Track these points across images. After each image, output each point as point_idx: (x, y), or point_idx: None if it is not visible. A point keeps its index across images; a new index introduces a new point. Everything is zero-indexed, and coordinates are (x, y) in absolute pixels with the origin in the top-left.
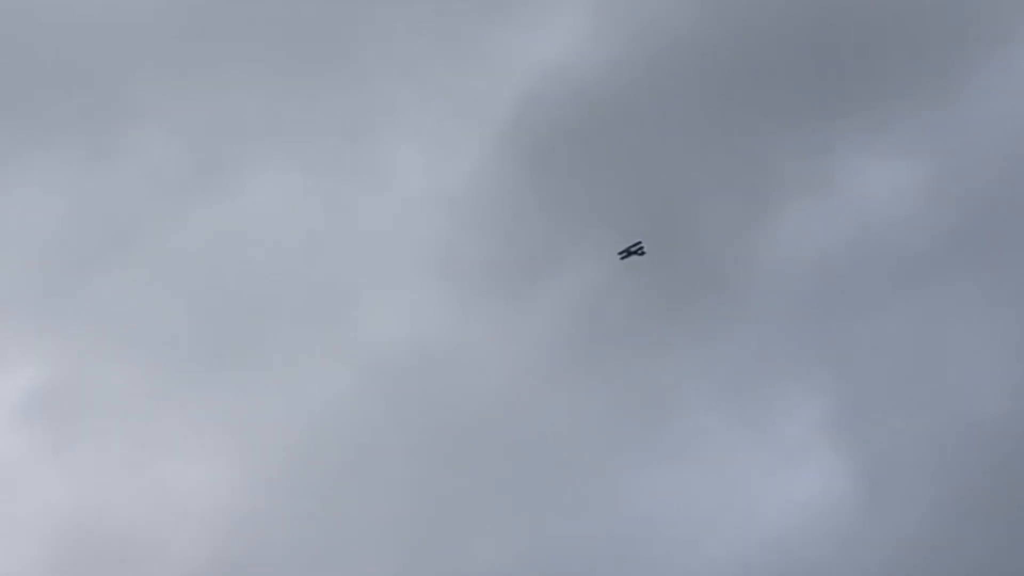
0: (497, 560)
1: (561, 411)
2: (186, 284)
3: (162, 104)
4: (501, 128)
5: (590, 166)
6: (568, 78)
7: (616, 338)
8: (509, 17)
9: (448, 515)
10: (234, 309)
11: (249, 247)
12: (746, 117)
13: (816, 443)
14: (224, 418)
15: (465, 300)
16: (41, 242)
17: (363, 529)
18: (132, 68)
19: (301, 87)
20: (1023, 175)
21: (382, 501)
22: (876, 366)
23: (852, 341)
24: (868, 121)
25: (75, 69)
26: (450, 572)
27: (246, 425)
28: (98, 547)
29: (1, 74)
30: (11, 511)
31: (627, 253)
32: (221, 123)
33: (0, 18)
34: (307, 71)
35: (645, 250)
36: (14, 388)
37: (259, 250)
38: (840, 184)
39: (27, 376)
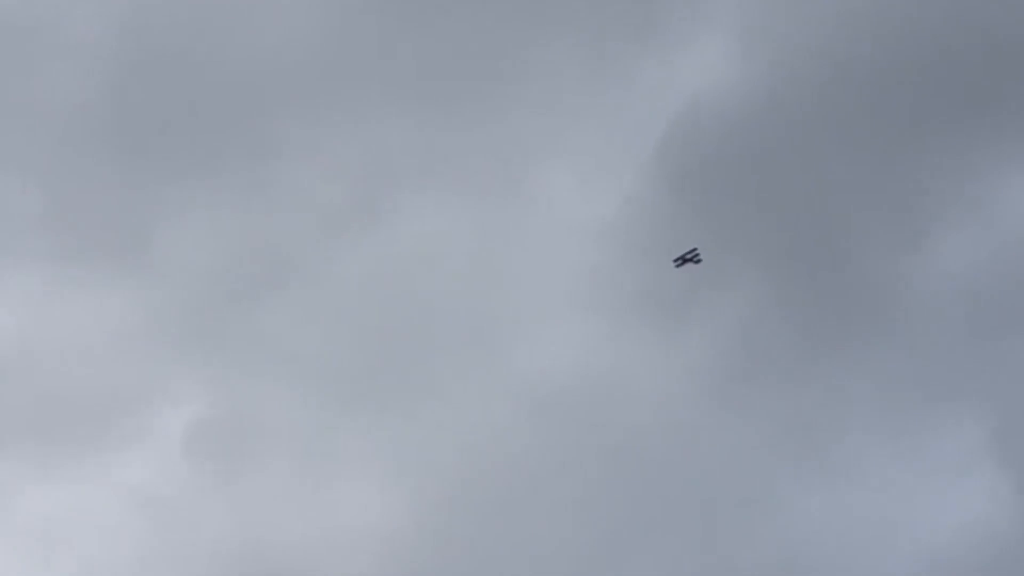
0: None
1: (718, 435)
2: (347, 315)
3: (320, 138)
4: (653, 154)
5: (740, 191)
6: (719, 103)
7: (771, 362)
8: (659, 44)
9: (609, 538)
10: (394, 339)
11: (407, 277)
12: (898, 142)
13: (975, 463)
14: (386, 446)
15: (620, 327)
16: (204, 275)
17: (525, 553)
18: (290, 105)
19: (455, 119)
20: None
21: (543, 526)
22: None
23: (1008, 361)
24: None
25: (237, 107)
26: None
27: (408, 453)
28: (264, 574)
29: (163, 114)
30: (179, 539)
31: (682, 260)
32: (377, 156)
33: (165, 59)
34: (460, 103)
35: (701, 257)
36: (181, 419)
37: (417, 280)
38: (994, 206)
39: (193, 407)
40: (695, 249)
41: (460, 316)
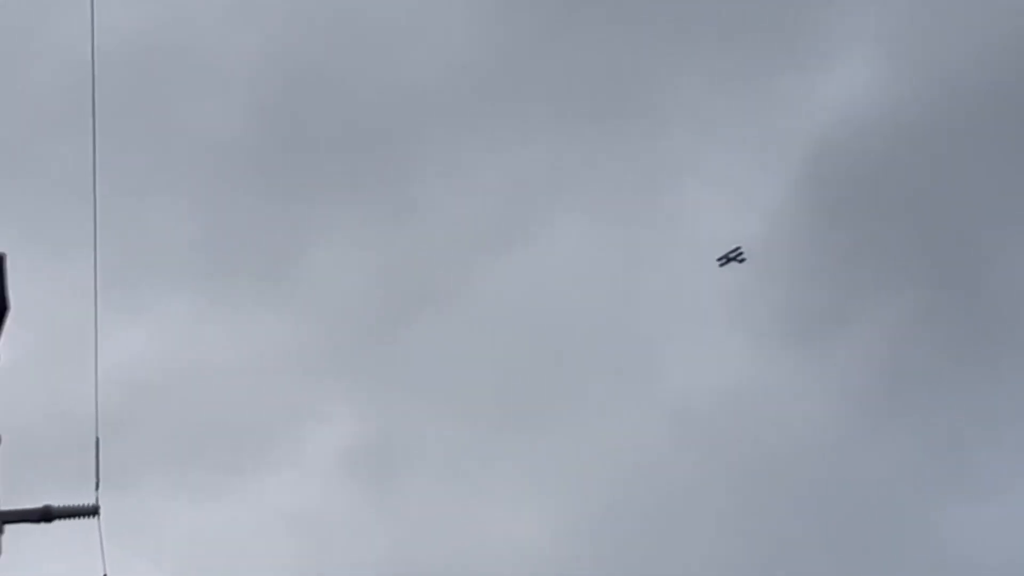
0: None
1: (866, 453)
2: (494, 335)
3: (465, 161)
4: (797, 173)
5: (885, 208)
6: (863, 123)
7: (919, 380)
8: (803, 61)
9: (756, 557)
10: (540, 358)
11: (553, 297)
12: None
13: None
14: (536, 465)
15: (765, 346)
16: (352, 298)
17: (674, 571)
18: (436, 128)
19: (599, 140)
20: None
21: (691, 545)
22: None
23: None
24: None
25: (382, 130)
26: None
27: (557, 471)
28: None
29: (310, 138)
30: (332, 560)
31: (726, 260)
32: (522, 178)
33: (312, 84)
34: (605, 124)
35: (745, 256)
36: (332, 441)
37: (563, 300)
38: None
39: (344, 428)
40: (739, 248)
41: (606, 335)
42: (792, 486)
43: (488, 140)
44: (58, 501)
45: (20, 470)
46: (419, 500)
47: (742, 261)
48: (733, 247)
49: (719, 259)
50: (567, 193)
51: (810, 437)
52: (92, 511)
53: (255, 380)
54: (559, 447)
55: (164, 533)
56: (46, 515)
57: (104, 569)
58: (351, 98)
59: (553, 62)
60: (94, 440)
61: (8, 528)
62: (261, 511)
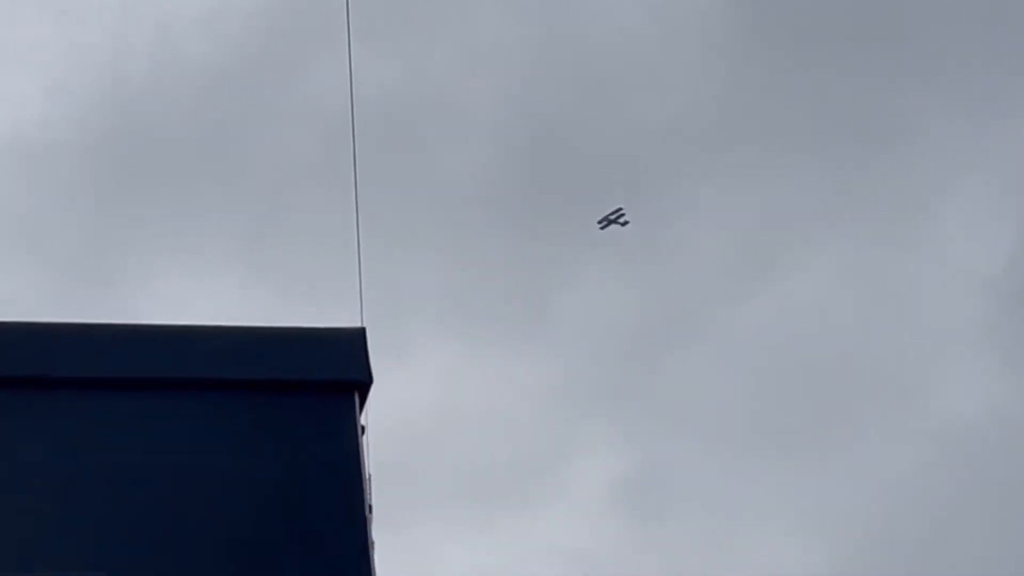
0: None
1: None
2: (750, 366)
3: (708, 196)
4: None
5: None
6: None
7: None
8: None
9: None
10: (799, 385)
11: (807, 327)
12: None
13: None
14: (801, 493)
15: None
16: (605, 337)
17: None
18: (678, 165)
19: (847, 171)
20: None
21: (960, 568)
22: None
23: None
24: None
25: (624, 171)
26: None
27: (822, 498)
28: None
29: (555, 185)
30: None
31: (607, 222)
32: (770, 211)
33: (555, 132)
34: (852, 154)
35: (627, 219)
36: (597, 476)
37: (816, 327)
38: None
39: (608, 463)
40: (620, 209)
41: (863, 361)
42: None
43: (732, 175)
44: None
45: None
46: (685, 532)
47: (624, 224)
48: (614, 209)
49: (599, 222)
50: (817, 223)
51: None
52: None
53: (520, 421)
54: (824, 475)
55: (436, 569)
56: None
57: None
58: (592, 141)
59: (801, 94)
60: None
61: None
62: (529, 546)
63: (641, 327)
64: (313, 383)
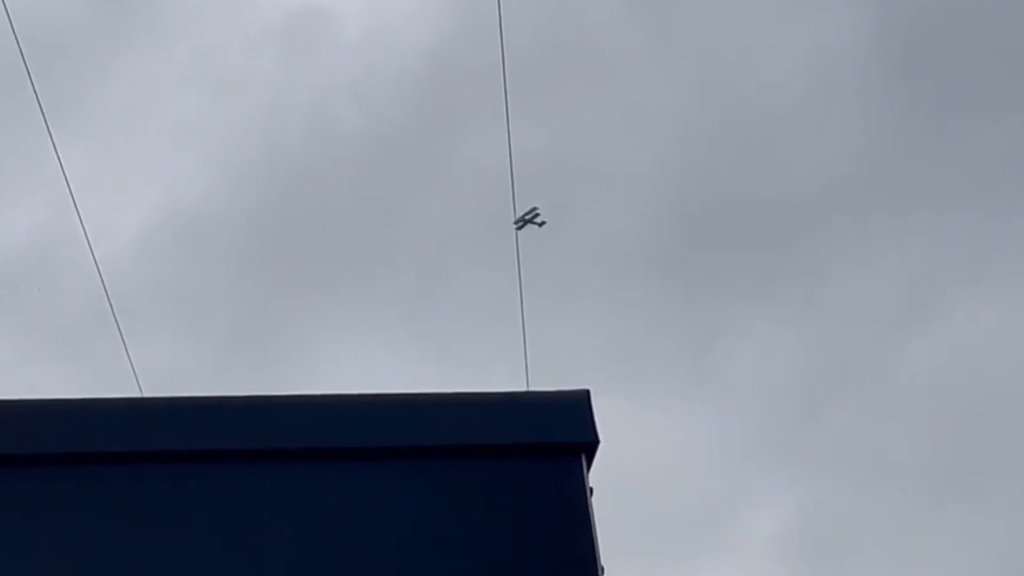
0: None
1: None
2: (919, 412)
3: (868, 249)
4: None
5: None
6: None
7: None
8: None
9: None
10: (971, 432)
11: (976, 371)
12: None
13: None
14: (981, 543)
15: None
16: (772, 389)
17: None
18: (838, 218)
19: (1003, 218)
20: None
21: None
22: None
23: None
24: None
25: (786, 226)
26: None
27: (993, 548)
28: None
29: (719, 238)
30: None
31: (523, 223)
32: (926, 260)
33: (712, 185)
34: (1008, 200)
35: (543, 219)
36: (770, 526)
37: (987, 373)
38: None
39: (780, 513)
40: (535, 208)
41: None
42: None
43: (891, 225)
44: None
45: None
46: None
47: (541, 224)
48: (529, 209)
49: (516, 222)
50: (979, 271)
51: None
52: None
53: (690, 473)
54: (993, 519)
55: None
56: None
57: None
58: (748, 195)
59: (956, 141)
60: None
61: None
62: None
63: (804, 378)
64: (540, 446)
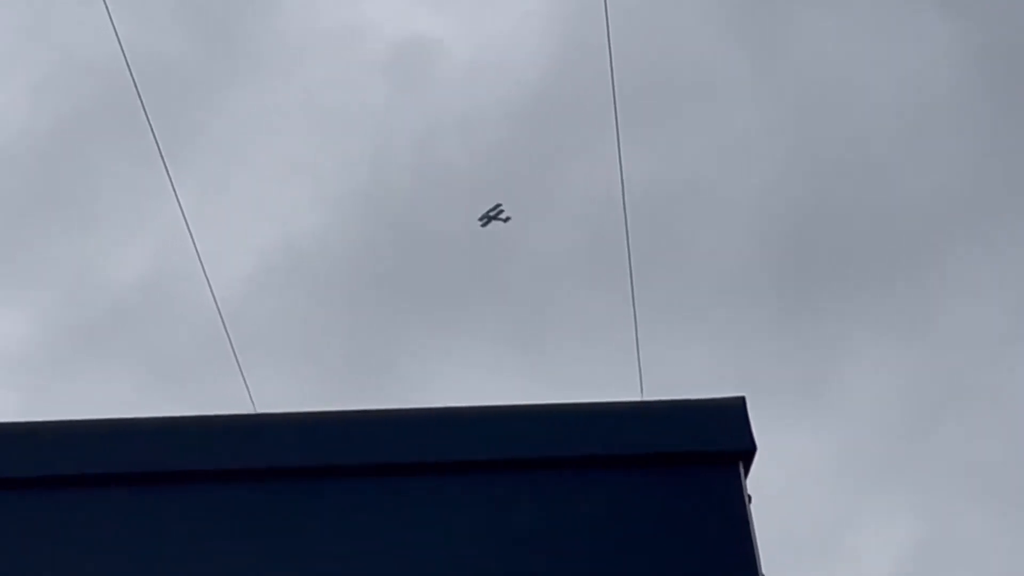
0: None
1: None
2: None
3: (978, 269)
4: None
5: None
6: None
7: None
8: None
9: None
10: None
11: None
12: None
13: None
14: None
15: None
16: (885, 407)
17: None
18: (941, 241)
19: None
20: None
21: None
22: None
23: None
24: None
25: (900, 248)
26: None
27: None
28: None
29: (828, 261)
30: None
31: (487, 219)
32: None
33: (810, 210)
34: None
35: (507, 215)
36: (885, 544)
37: None
38: None
39: (895, 531)
40: (499, 205)
41: None
42: None
43: (1002, 245)
44: None
45: None
46: None
47: (506, 220)
48: (493, 205)
49: (480, 219)
50: None
51: None
52: None
53: (803, 490)
54: None
55: None
56: None
57: None
58: (854, 218)
59: None
60: None
61: None
62: None
63: (917, 397)
64: (699, 454)
